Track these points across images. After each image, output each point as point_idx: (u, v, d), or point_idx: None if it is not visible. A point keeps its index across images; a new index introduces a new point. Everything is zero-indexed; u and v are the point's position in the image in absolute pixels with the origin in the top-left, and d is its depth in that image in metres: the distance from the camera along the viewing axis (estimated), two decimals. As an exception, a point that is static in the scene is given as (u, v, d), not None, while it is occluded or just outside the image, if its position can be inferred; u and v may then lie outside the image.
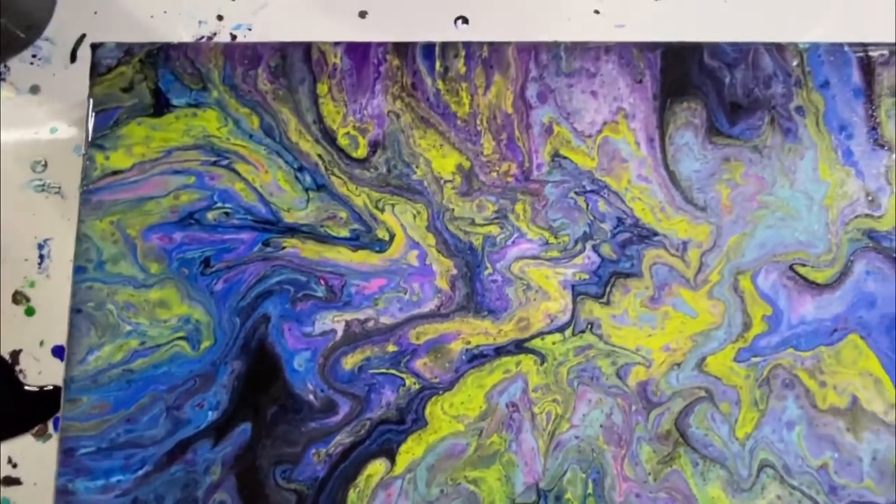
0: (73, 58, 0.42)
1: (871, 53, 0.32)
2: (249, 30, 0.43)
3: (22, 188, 0.41)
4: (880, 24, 0.36)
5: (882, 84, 0.32)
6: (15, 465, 0.37)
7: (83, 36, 0.44)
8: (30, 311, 0.39)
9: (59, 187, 0.41)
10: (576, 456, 0.28)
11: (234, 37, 0.41)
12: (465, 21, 0.43)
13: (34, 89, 0.42)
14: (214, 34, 0.43)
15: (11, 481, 0.36)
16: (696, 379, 0.29)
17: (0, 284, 0.39)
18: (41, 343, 0.38)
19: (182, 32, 0.42)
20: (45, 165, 0.41)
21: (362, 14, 0.43)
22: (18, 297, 0.39)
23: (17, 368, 0.38)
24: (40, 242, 0.40)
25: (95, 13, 0.44)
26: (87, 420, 0.26)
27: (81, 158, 0.35)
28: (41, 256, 0.40)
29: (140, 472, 0.26)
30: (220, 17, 0.44)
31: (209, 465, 0.26)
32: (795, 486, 0.28)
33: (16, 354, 0.38)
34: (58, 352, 0.38)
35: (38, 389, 0.37)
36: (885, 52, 0.32)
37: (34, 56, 0.43)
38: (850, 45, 0.32)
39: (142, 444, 0.26)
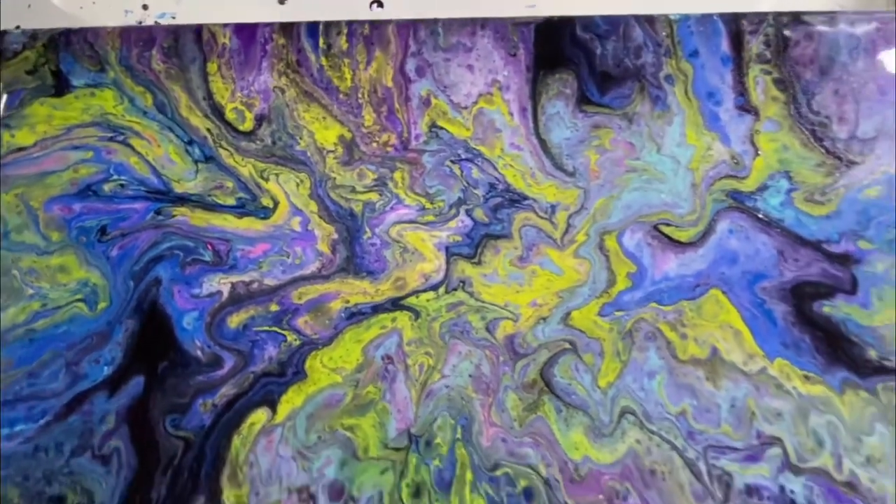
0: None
1: (740, 23, 0.33)
2: (173, 18, 0.45)
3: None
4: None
5: (751, 52, 0.33)
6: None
7: (18, 28, 0.46)
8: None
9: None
10: (446, 404, 0.30)
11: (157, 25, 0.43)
12: (380, 5, 0.45)
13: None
14: (140, 23, 0.46)
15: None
16: (560, 332, 0.31)
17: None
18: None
19: (109, 22, 0.45)
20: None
21: (281, 0, 0.45)
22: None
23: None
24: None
25: (29, 6, 0.46)
26: (-7, 375, 0.29)
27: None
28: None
29: (41, 422, 0.29)
30: (145, 7, 0.46)
31: (104, 415, 0.29)
32: (654, 431, 0.30)
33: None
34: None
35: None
36: (755, 21, 0.33)
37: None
38: (720, 15, 0.33)
39: (43, 396, 0.29)
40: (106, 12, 0.45)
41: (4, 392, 0.29)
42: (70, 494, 0.28)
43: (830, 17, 0.34)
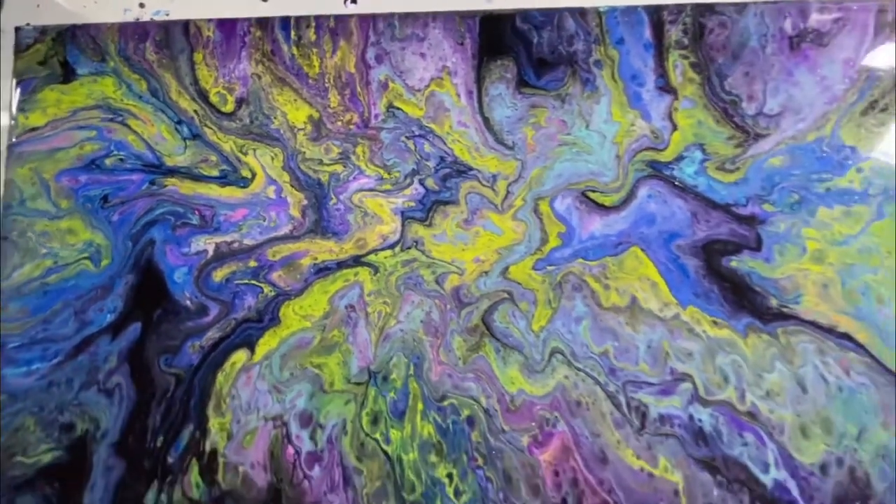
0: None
1: (661, 13, 0.38)
2: (167, 15, 0.50)
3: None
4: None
5: (670, 39, 0.38)
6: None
7: (28, 25, 0.51)
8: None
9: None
10: (400, 345, 0.35)
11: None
12: (354, 0, 0.50)
13: (-10, 72, 0.50)
14: (137, 20, 0.51)
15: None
16: (499, 284, 0.35)
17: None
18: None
19: (109, 19, 0.50)
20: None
21: (264, -2, 0.50)
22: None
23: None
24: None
25: (38, 6, 0.51)
26: (13, 322, 0.34)
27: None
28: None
29: (54, 361, 0.34)
30: (141, 5, 0.51)
31: (108, 355, 0.34)
32: (580, 368, 0.34)
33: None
34: None
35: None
36: (675, 11, 0.38)
37: (-12, 43, 0.50)
38: (644, 6, 0.38)
39: (55, 339, 0.34)
40: (106, 10, 0.50)
41: (22, 335, 0.34)
42: (79, 422, 0.33)
43: (741, 7, 0.38)
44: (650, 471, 0.33)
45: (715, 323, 0.35)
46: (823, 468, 0.34)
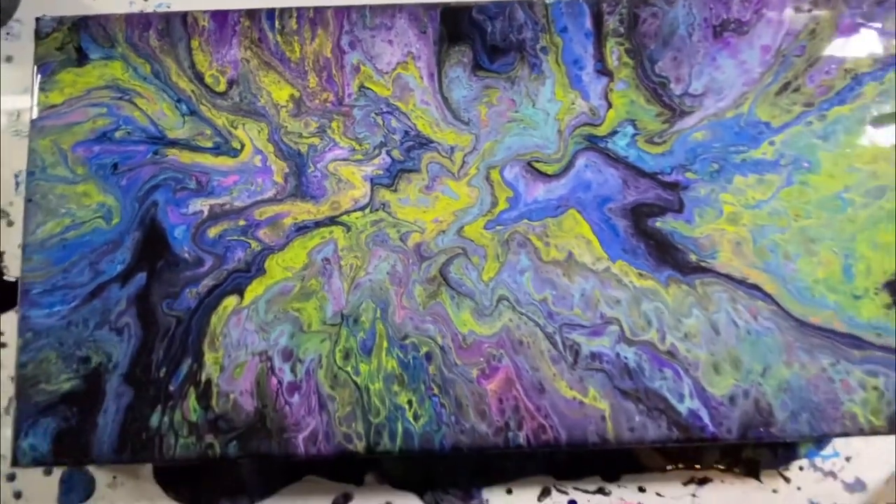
0: (37, 33, 0.55)
1: (601, 4, 0.43)
2: (168, 7, 0.56)
3: (3, 134, 0.55)
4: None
5: (608, 28, 0.43)
6: (1, 334, 0.51)
7: (43, 16, 0.57)
8: (10, 224, 0.53)
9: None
10: (369, 293, 0.40)
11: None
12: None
13: (9, 59, 0.56)
14: (142, 11, 0.56)
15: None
16: (455, 241, 0.41)
17: (-16, 198, 0.53)
18: (18, 246, 0.52)
19: (117, 10, 0.55)
20: (18, 116, 0.55)
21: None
22: (1, 213, 0.53)
23: (2, 265, 0.52)
24: (16, 173, 0.54)
25: (53, -2, 0.57)
26: (37, 271, 0.40)
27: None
28: (17, 183, 0.54)
29: (72, 305, 0.40)
30: (145, -2, 0.57)
31: (118, 300, 0.40)
32: (523, 312, 0.40)
33: (0, 255, 0.52)
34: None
35: (15, 280, 0.51)
36: (612, 3, 0.43)
37: (7, 34, 0.56)
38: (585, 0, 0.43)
39: (73, 286, 0.40)
40: (113, 2, 0.56)
41: (45, 283, 0.40)
42: (94, 356, 0.39)
43: None
44: (581, 399, 0.39)
45: (640, 275, 0.41)
46: (732, 399, 0.39)
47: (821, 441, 0.51)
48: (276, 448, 0.38)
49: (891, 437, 0.51)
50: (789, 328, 0.40)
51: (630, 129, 0.42)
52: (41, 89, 0.42)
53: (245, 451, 0.38)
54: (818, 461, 0.51)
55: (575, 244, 0.41)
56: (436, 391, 0.39)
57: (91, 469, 0.49)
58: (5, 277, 0.52)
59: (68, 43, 0.42)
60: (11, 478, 0.49)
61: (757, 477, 0.51)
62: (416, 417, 0.39)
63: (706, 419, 0.39)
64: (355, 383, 0.39)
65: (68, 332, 0.39)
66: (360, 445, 0.38)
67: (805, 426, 0.39)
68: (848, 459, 0.51)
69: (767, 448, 0.51)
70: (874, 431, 0.40)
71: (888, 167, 0.43)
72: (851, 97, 0.43)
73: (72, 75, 0.42)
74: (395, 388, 0.39)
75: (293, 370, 0.39)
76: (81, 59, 0.42)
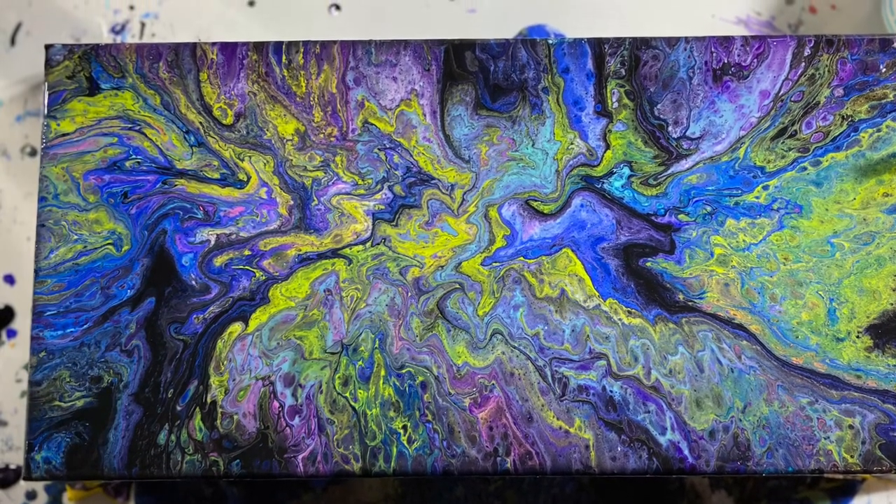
0: (13, 42, 0.72)
1: (603, 46, 0.60)
2: (156, 17, 0.73)
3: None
4: (611, 23, 0.65)
5: (609, 69, 0.60)
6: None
7: (20, 24, 0.74)
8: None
9: (5, 149, 0.71)
10: (368, 324, 0.57)
11: (143, 24, 0.70)
12: (338, 8, 0.72)
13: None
14: (127, 21, 0.73)
15: None
16: (453, 276, 0.58)
17: (-24, 214, 0.70)
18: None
19: (100, 20, 0.72)
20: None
21: (251, 3, 0.72)
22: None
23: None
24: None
25: (30, 4, 0.73)
26: (50, 294, 0.57)
27: (22, 125, 0.66)
28: (-5, 199, 0.71)
29: (84, 326, 0.57)
30: (131, 7, 0.73)
31: (128, 323, 0.57)
32: (515, 346, 0.57)
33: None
34: (7, 279, 0.69)
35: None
36: (615, 45, 0.60)
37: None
38: (588, 40, 0.60)
39: (85, 309, 0.57)
40: (96, 12, 0.72)
41: (58, 306, 0.57)
42: (105, 375, 0.56)
43: (673, 41, 0.60)
44: (567, 429, 0.56)
45: (629, 313, 0.58)
46: (712, 433, 0.57)
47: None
48: (277, 467, 0.55)
49: None
50: (771, 367, 0.58)
51: (626, 171, 0.59)
52: (52, 117, 0.59)
53: (247, 469, 0.55)
54: None
55: (567, 282, 0.58)
56: (429, 418, 0.56)
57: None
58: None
59: (79, 72, 0.59)
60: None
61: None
62: (410, 441, 0.56)
63: (686, 451, 0.56)
64: (353, 408, 0.56)
65: (81, 353, 0.57)
66: (356, 466, 0.55)
67: (781, 461, 0.57)
68: None
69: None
70: (847, 469, 0.57)
71: (878, 213, 0.59)
72: (847, 143, 0.60)
73: (83, 104, 0.59)
74: (391, 413, 0.56)
75: (294, 394, 0.56)
76: (92, 88, 0.59)
